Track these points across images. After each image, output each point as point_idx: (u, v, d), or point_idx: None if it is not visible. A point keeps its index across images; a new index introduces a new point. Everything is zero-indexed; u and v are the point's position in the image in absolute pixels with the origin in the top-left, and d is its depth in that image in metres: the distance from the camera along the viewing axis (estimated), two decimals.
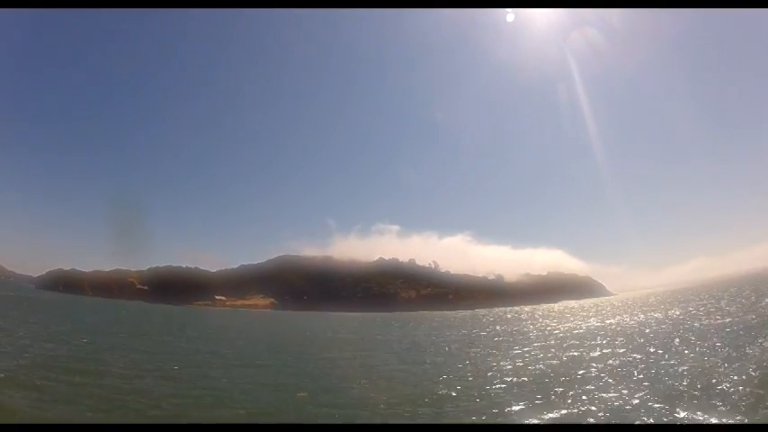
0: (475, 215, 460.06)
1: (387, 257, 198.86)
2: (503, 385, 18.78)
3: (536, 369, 22.52)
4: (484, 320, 74.27)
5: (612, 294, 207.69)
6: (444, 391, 17.90)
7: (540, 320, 65.95)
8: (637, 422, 13.15)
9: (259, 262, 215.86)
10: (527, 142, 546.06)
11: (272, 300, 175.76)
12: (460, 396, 17.14)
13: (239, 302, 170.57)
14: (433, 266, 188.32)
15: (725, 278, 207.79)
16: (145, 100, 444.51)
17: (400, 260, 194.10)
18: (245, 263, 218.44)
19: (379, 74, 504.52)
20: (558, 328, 48.15)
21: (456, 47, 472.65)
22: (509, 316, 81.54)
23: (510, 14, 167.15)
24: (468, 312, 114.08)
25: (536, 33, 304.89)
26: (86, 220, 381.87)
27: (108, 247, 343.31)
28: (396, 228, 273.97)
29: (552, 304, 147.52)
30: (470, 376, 21.43)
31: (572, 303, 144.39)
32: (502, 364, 24.71)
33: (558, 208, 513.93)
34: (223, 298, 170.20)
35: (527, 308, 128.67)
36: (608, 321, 52.21)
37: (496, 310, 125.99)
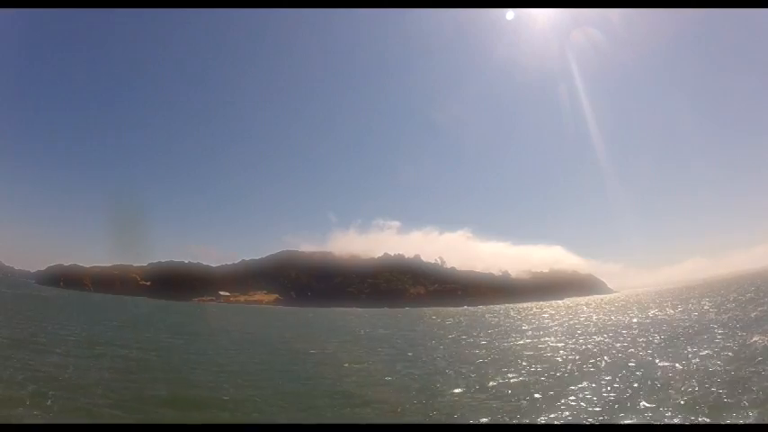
0: (474, 211, 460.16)
1: (392, 253, 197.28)
2: None
3: None
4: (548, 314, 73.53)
5: (615, 292, 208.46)
6: None
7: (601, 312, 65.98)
8: (637, 422, 13.13)
9: (260, 257, 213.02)
10: (527, 140, 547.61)
11: (277, 295, 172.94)
12: None
13: (243, 298, 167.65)
14: (439, 262, 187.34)
15: (721, 278, 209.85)
16: (144, 94, 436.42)
17: (406, 256, 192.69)
18: (243, 257, 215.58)
19: (380, 71, 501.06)
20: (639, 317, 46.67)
21: (457, 45, 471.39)
22: (552, 312, 79.83)
23: (510, 12, 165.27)
24: (483, 308, 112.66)
25: (537, 32, 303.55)
26: (85, 214, 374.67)
27: (108, 241, 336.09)
28: (396, 224, 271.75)
29: (559, 301, 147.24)
30: None
31: (581, 300, 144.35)
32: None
33: (558, 204, 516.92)
34: (227, 294, 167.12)
35: (542, 303, 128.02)
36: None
37: (509, 306, 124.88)
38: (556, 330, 43.68)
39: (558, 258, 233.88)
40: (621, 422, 13.37)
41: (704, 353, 23.30)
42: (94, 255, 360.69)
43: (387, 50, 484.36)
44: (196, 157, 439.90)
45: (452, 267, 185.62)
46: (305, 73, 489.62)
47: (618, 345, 29.66)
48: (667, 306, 66.85)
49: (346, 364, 24.82)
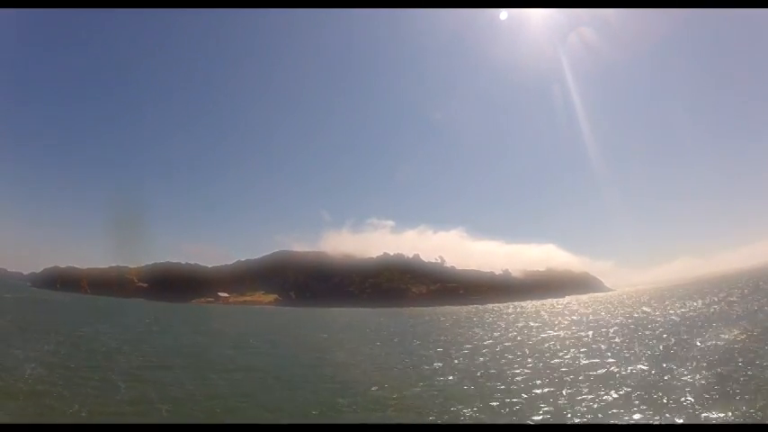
0: (467, 210, 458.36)
1: (389, 252, 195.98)
2: None
3: None
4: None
5: (611, 290, 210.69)
6: None
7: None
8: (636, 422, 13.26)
9: (255, 257, 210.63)
10: (520, 140, 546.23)
11: (276, 296, 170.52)
12: None
13: (242, 299, 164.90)
14: (439, 261, 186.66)
15: (713, 277, 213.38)
16: (138, 94, 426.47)
17: (405, 255, 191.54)
18: (236, 256, 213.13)
19: (373, 70, 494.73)
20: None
21: (451, 45, 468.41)
22: (581, 308, 79.42)
23: (503, 12, 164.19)
24: (491, 306, 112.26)
25: (531, 33, 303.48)
26: (79, 215, 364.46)
27: (103, 242, 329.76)
28: (390, 223, 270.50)
29: (561, 299, 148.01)
30: None
31: (584, 297, 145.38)
32: None
33: (550, 203, 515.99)
34: (226, 295, 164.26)
35: (549, 301, 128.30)
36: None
37: (513, 304, 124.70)
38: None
39: (551, 256, 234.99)
40: (622, 422, 13.33)
41: None
42: (89, 256, 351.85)
43: (380, 50, 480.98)
44: (189, 156, 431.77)
45: (452, 266, 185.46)
46: (299, 72, 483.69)
47: None
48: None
49: (422, 368, 23.73)
